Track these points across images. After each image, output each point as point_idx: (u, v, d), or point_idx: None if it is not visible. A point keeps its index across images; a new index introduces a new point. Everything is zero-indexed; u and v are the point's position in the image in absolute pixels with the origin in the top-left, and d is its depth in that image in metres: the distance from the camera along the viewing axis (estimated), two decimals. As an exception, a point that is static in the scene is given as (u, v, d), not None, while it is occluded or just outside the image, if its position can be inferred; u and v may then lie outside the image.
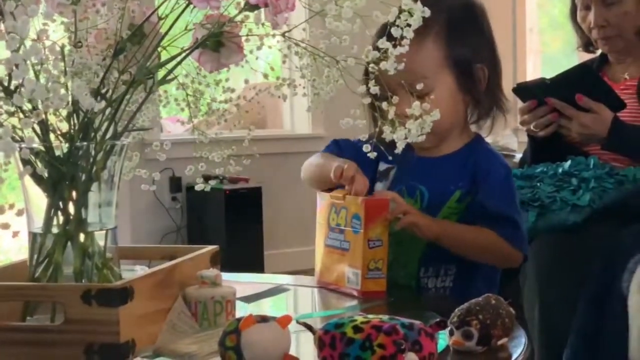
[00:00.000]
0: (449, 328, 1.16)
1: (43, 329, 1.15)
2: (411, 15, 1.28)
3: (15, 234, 0.95)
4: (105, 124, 1.25)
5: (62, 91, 1.16)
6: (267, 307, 1.54)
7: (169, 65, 1.34)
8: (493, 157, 1.72)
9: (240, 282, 1.69)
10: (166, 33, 1.37)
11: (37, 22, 1.26)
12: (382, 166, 1.77)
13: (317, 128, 4.92)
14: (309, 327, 1.07)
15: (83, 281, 1.21)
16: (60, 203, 1.23)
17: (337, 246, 1.57)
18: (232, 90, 1.55)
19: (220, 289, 1.31)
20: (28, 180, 1.23)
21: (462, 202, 1.67)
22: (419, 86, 1.61)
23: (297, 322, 1.07)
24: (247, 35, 1.38)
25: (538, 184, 2.22)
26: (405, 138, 1.29)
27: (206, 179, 5.04)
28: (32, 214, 1.24)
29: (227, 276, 1.72)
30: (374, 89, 1.30)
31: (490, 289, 1.66)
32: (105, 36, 1.35)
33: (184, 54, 1.35)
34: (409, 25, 1.28)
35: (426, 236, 1.60)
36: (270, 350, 1.05)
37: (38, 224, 1.24)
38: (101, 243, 1.25)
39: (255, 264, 4.35)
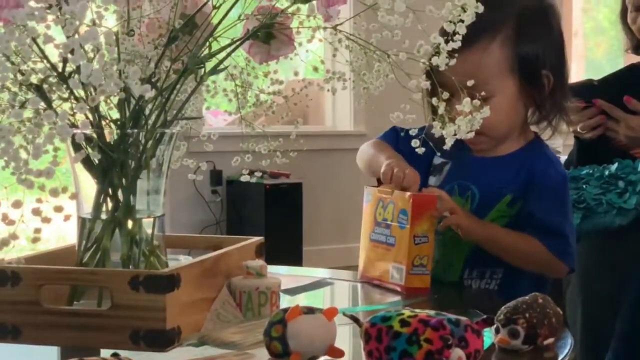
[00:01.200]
0: (495, 326, 1.15)
1: (90, 314, 1.15)
2: (464, 11, 1.27)
3: (67, 218, 0.95)
4: (156, 113, 1.26)
5: (116, 78, 1.17)
6: (311, 300, 1.54)
7: (220, 56, 1.34)
8: (550, 163, 1.68)
9: (282, 274, 1.69)
10: (218, 24, 1.37)
11: (92, 10, 1.28)
12: (437, 160, 1.73)
13: (359, 125, 4.92)
14: (356, 320, 1.07)
15: (130, 267, 1.22)
16: (110, 189, 1.24)
17: (382, 241, 1.57)
18: (281, 82, 1.55)
19: (265, 280, 1.31)
20: (79, 166, 1.24)
21: (513, 207, 1.64)
22: (480, 92, 1.60)
23: (344, 314, 1.07)
24: (298, 27, 1.38)
25: (584, 186, 2.19)
26: (455, 134, 1.28)
27: (248, 173, 5.03)
28: (82, 200, 1.25)
29: (270, 269, 1.73)
30: (425, 84, 1.29)
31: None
32: (157, 25, 1.36)
33: (234, 45, 1.36)
34: (462, 21, 1.27)
35: (468, 238, 1.59)
36: (315, 341, 1.05)
37: (87, 210, 1.24)
38: (149, 231, 1.26)
39: (293, 260, 4.36)
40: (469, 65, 1.56)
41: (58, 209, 0.92)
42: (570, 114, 2.30)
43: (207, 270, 1.26)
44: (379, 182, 1.65)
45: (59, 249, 1.32)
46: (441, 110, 1.28)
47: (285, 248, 4.40)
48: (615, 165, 2.23)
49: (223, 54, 1.35)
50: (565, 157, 2.65)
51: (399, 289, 1.52)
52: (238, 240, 1.42)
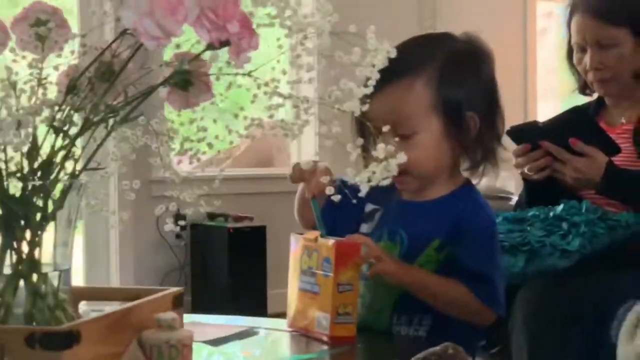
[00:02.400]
0: (404, 378, 1.13)
1: (-15, 373, 1.12)
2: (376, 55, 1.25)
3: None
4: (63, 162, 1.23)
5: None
6: (234, 350, 1.51)
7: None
8: (478, 209, 1.67)
9: (210, 323, 1.66)
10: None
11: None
12: (369, 207, 1.73)
13: (339, 170, 4.90)
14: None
15: (34, 323, 1.19)
16: (13, 243, 1.21)
17: (308, 289, 1.54)
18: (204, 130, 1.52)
19: (177, 333, 1.27)
20: (-20, 219, 1.21)
21: (441, 252, 1.63)
22: (404, 128, 1.60)
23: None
24: (216, 74, 1.36)
25: (528, 228, 2.18)
26: (369, 181, 1.26)
27: (211, 217, 5.05)
28: (-16, 254, 1.22)
29: (200, 318, 1.71)
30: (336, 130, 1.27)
31: (469, 343, 1.63)
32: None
33: (149, 92, 1.34)
34: (373, 65, 1.25)
35: (396, 284, 1.57)
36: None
37: (-9, 264, 1.21)
38: (56, 284, 1.23)
39: (258, 303, 4.32)
40: (393, 101, 1.57)
41: None
42: (516, 155, 2.30)
43: (114, 324, 1.22)
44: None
45: (-38, 305, 1.28)
46: (353, 157, 1.26)
47: (250, 291, 4.36)
48: (561, 206, 2.22)
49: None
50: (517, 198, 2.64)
51: (325, 338, 1.50)
52: (156, 292, 1.39)
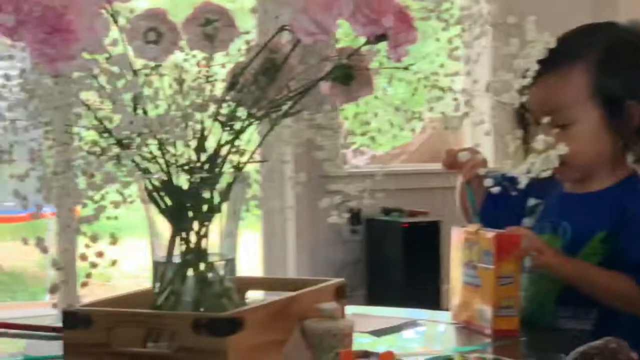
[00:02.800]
0: (563, 371, 1.12)
1: (155, 356, 1.18)
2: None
3: (113, 263, 0.98)
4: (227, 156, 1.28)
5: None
6: (396, 341, 1.52)
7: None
8: None
9: (376, 315, 1.69)
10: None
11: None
12: (531, 202, 1.72)
13: (499, 161, 4.84)
14: (406, 365, 1.05)
15: (201, 310, 1.24)
16: (182, 233, 1.27)
17: (470, 282, 1.54)
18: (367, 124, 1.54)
19: (338, 322, 1.30)
20: (152, 210, 1.27)
21: (607, 243, 1.59)
22: (562, 117, 1.58)
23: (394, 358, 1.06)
24: (376, 68, 1.38)
25: None
26: (528, 172, 1.25)
27: (386, 212, 5.09)
28: (156, 244, 1.28)
29: (365, 309, 1.74)
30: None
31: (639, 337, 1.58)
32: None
33: (311, 86, 1.37)
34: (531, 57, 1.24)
35: (559, 276, 1.54)
36: (368, 385, 1.04)
37: (162, 254, 1.27)
38: (222, 273, 1.28)
39: (433, 298, 4.31)
40: (550, 90, 1.57)
41: (99, 254, 0.95)
42: None
43: (276, 312, 1.26)
44: None
45: (138, 292, 1.35)
46: (511, 148, 1.26)
47: (424, 286, 4.36)
48: None
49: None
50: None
51: (487, 331, 1.49)
52: (320, 283, 1.42)
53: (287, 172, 4.43)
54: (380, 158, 5.34)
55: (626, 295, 1.55)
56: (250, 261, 5.42)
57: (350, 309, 1.67)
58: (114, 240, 1.03)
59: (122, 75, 1.09)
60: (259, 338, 1.21)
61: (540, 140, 1.25)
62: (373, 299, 4.45)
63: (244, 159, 1.33)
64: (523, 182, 1.25)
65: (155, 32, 1.35)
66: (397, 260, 4.42)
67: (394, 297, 4.34)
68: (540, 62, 1.63)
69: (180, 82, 1.31)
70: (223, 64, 1.37)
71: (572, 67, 1.61)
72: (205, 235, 1.27)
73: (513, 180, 1.28)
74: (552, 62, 1.54)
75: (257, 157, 1.39)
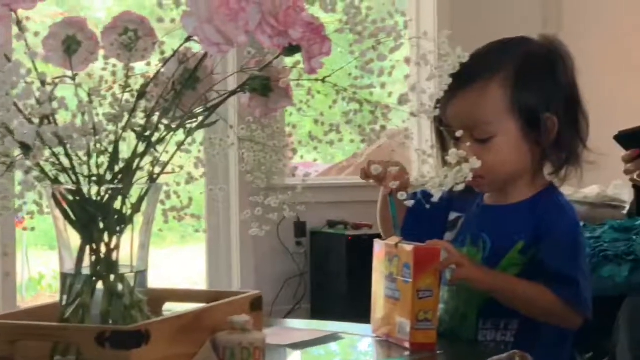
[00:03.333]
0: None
1: (58, 369, 1.16)
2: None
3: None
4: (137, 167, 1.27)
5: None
6: (313, 355, 1.51)
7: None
8: (561, 210, 1.64)
9: (297, 328, 1.68)
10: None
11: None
12: (452, 215, 1.74)
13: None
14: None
15: (110, 323, 1.23)
16: (92, 245, 1.25)
17: (390, 295, 1.54)
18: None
19: (250, 335, 1.29)
20: (61, 222, 1.25)
21: (525, 254, 1.61)
22: (481, 132, 1.59)
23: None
24: (290, 80, 1.37)
25: (634, 237, 2.12)
26: (441, 186, 1.25)
27: (331, 224, 5.09)
28: (65, 255, 1.26)
29: (289, 323, 1.73)
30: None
31: (560, 347, 1.60)
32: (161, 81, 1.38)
33: (226, 96, 1.37)
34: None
35: (478, 289, 1.55)
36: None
37: (70, 266, 1.26)
38: (133, 285, 1.26)
39: (376, 311, 4.31)
40: (468, 105, 1.57)
41: None
42: (625, 161, 2.24)
43: (186, 325, 1.25)
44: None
45: (47, 305, 1.33)
46: (423, 169, 1.26)
47: (368, 300, 4.35)
48: (672, 215, 2.15)
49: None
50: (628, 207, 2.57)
51: (405, 344, 1.49)
52: (235, 295, 1.41)
53: (232, 184, 4.40)
54: (328, 171, 5.34)
55: (546, 305, 1.56)
56: (195, 275, 5.39)
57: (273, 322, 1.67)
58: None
59: (16, 83, 1.07)
60: (167, 351, 1.19)
61: (452, 154, 1.25)
62: (317, 312, 4.44)
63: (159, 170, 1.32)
64: (436, 196, 1.25)
65: (74, 41, 1.34)
66: (342, 273, 4.42)
67: (338, 310, 4.34)
68: (456, 77, 1.65)
69: (93, 92, 1.30)
70: (144, 74, 1.37)
71: (488, 81, 1.63)
72: (117, 247, 1.26)
73: (430, 195, 1.28)
74: (468, 78, 1.56)
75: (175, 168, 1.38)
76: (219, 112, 1.43)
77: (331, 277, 4.51)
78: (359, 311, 4.16)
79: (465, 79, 1.53)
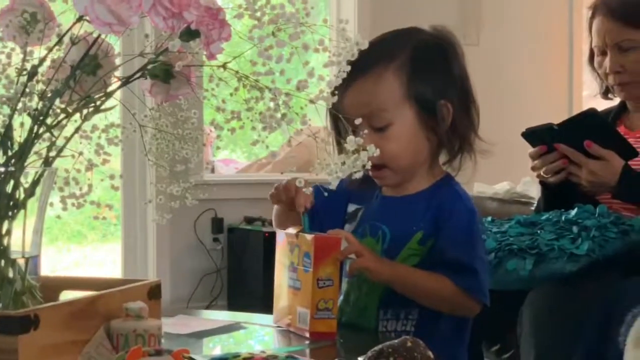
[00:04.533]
0: (360, 370, 1.12)
1: (-56, 355, 1.13)
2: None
3: None
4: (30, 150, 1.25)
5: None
6: (214, 343, 1.51)
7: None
8: (458, 199, 1.66)
9: (203, 318, 1.67)
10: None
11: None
12: (351, 207, 1.74)
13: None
14: (195, 363, 1.04)
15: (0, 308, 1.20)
16: (-18, 229, 1.22)
17: (291, 285, 1.54)
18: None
19: (144, 322, 1.28)
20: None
21: (424, 244, 1.62)
22: (378, 120, 1.60)
23: (183, 356, 1.04)
24: (189, 65, 1.35)
25: (539, 232, 2.15)
26: (337, 174, 1.25)
27: (248, 221, 5.08)
28: (-44, 239, 1.23)
29: (195, 312, 1.72)
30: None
31: (458, 336, 1.61)
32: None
33: (124, 82, 1.35)
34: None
35: (377, 280, 1.56)
36: (158, 384, 1.02)
37: (-38, 250, 1.23)
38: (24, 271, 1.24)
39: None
40: (364, 94, 1.58)
41: None
42: (532, 158, 2.27)
43: (79, 311, 1.23)
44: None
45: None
46: (320, 156, 1.26)
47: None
48: (575, 210, 2.18)
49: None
50: (535, 203, 2.61)
51: (306, 333, 1.49)
52: (133, 282, 1.40)
53: (147, 179, 4.33)
54: (247, 168, 5.32)
55: (444, 294, 1.58)
56: (112, 271, 5.33)
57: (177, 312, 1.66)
58: None
59: None
60: (57, 337, 1.17)
61: (350, 141, 1.25)
62: (233, 308, 4.42)
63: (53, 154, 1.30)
64: (333, 184, 1.25)
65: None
66: (258, 269, 4.40)
67: (254, 306, 4.32)
68: (352, 66, 1.66)
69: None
70: (43, 58, 1.34)
71: (383, 70, 1.64)
72: (8, 232, 1.23)
73: (329, 190, 1.29)
74: (363, 67, 1.56)
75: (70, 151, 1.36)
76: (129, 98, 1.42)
77: (248, 274, 4.49)
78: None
79: (360, 68, 1.54)
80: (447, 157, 1.69)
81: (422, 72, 1.65)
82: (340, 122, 1.60)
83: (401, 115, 1.63)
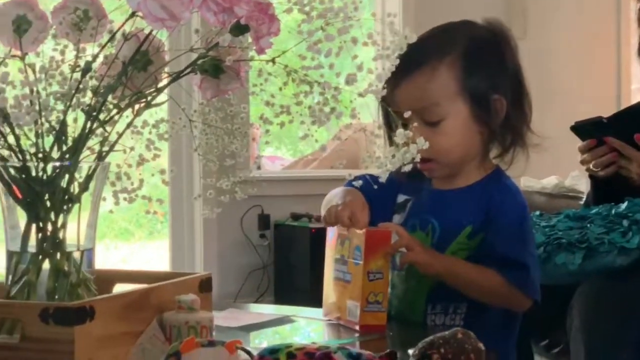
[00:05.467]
0: (411, 361, 1.12)
1: (1, 346, 1.15)
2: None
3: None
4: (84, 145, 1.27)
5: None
6: (262, 337, 1.52)
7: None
8: (509, 193, 1.65)
9: (250, 312, 1.68)
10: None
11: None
12: (401, 198, 1.73)
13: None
14: (248, 353, 1.05)
15: (56, 300, 1.22)
16: (39, 223, 1.24)
17: (341, 278, 1.55)
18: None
19: (196, 314, 1.29)
20: (7, 198, 1.25)
21: (473, 239, 1.62)
22: (431, 114, 1.60)
23: (236, 347, 1.05)
24: (237, 59, 1.36)
25: (588, 225, 2.13)
26: (387, 167, 1.25)
27: (295, 217, 5.10)
28: (10, 233, 1.26)
29: (244, 306, 1.73)
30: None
31: (507, 331, 1.61)
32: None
33: (175, 77, 1.37)
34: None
35: (427, 273, 1.56)
36: (212, 374, 1.04)
37: (17, 243, 1.25)
38: (79, 264, 1.26)
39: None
40: (418, 88, 1.58)
41: None
42: (581, 152, 2.26)
43: (132, 303, 1.25)
44: None
45: (-7, 283, 1.32)
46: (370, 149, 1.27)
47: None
48: (625, 204, 2.16)
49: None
50: (584, 198, 2.59)
51: (355, 326, 1.50)
52: (184, 276, 1.41)
53: (195, 175, 4.36)
54: (294, 164, 5.34)
55: (494, 288, 1.57)
56: (159, 268, 5.37)
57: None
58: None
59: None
60: (112, 328, 1.19)
61: (400, 134, 1.25)
62: (280, 304, 4.44)
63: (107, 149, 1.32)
64: (383, 177, 1.25)
65: (24, 21, 1.34)
66: (305, 265, 4.41)
67: (301, 302, 4.33)
68: (404, 61, 1.66)
69: (42, 70, 1.29)
70: (95, 55, 1.36)
71: (437, 64, 1.63)
72: (63, 225, 1.25)
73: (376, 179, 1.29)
74: (416, 61, 1.56)
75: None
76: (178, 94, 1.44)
77: (294, 270, 4.50)
78: (322, 305, 4.17)
79: (413, 62, 1.54)
80: (498, 151, 1.68)
81: (476, 67, 1.64)
82: (391, 115, 1.61)
83: (454, 109, 1.62)
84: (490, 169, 1.70)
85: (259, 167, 5.04)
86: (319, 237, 4.34)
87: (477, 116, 1.64)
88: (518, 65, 1.69)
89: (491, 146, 1.68)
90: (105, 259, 5.85)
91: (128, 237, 7.18)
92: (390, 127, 1.62)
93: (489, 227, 1.61)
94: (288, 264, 4.54)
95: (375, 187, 1.30)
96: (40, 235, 1.24)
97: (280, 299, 4.51)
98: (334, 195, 1.68)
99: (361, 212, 1.54)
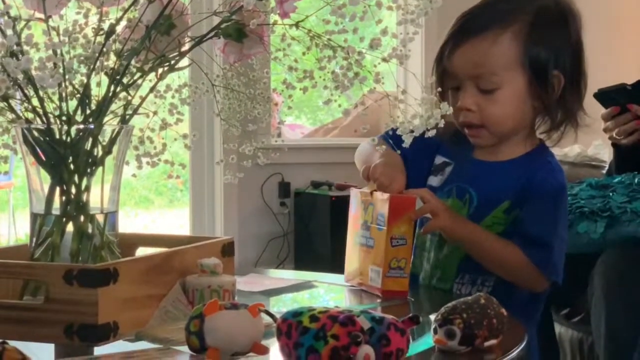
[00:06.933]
0: (433, 326, 1.12)
1: (26, 307, 1.16)
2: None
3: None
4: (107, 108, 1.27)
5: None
6: (285, 301, 1.52)
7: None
8: (550, 171, 1.61)
9: (272, 277, 1.69)
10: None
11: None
12: (439, 159, 1.70)
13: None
14: (271, 316, 1.05)
15: (79, 262, 1.23)
16: (62, 185, 1.25)
17: (364, 243, 1.54)
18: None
19: (219, 278, 1.30)
20: (31, 162, 1.25)
21: (510, 214, 1.59)
22: (488, 82, 1.57)
23: (259, 310, 1.05)
24: (260, 24, 1.36)
25: (611, 194, 2.12)
26: (412, 131, 1.25)
27: (315, 185, 5.11)
28: (34, 196, 1.26)
29: (265, 271, 1.74)
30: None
31: (531, 308, 1.60)
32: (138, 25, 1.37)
33: (199, 41, 1.36)
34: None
35: (451, 237, 1.55)
36: (235, 337, 1.04)
37: (40, 206, 1.26)
38: (103, 226, 1.26)
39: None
40: (478, 54, 1.57)
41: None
42: (604, 119, 2.24)
43: (155, 266, 1.25)
44: None
45: (18, 245, 1.33)
46: (399, 112, 1.26)
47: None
48: (648, 172, 2.15)
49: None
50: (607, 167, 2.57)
51: (377, 292, 1.50)
52: (206, 240, 1.41)
53: (216, 141, 4.35)
54: (314, 133, 5.33)
55: (514, 264, 1.54)
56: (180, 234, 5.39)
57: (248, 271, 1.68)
58: None
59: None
60: (136, 291, 1.20)
61: (444, 107, 1.24)
62: (301, 271, 4.45)
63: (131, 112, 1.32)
64: (407, 142, 1.25)
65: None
66: (325, 233, 4.42)
67: (321, 269, 4.34)
68: (467, 25, 1.63)
69: (65, 33, 1.29)
70: (118, 18, 1.35)
71: (502, 31, 1.59)
72: (87, 188, 1.26)
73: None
74: (480, 26, 1.54)
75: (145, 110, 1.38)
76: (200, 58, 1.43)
77: (315, 237, 4.51)
78: (342, 271, 4.18)
79: (476, 27, 1.51)
80: (547, 127, 1.65)
81: (541, 39, 1.60)
82: (445, 80, 1.58)
83: (512, 80, 1.59)
84: (536, 144, 1.66)
85: (279, 135, 5.03)
86: (339, 205, 4.37)
87: (534, 90, 1.60)
88: (581, 43, 1.65)
89: (539, 121, 1.65)
90: (126, 226, 5.89)
91: (148, 205, 7.22)
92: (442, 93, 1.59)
93: (524, 204, 1.58)
94: (308, 232, 4.55)
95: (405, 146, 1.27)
96: (64, 197, 1.25)
97: (300, 267, 4.52)
98: (369, 152, 1.66)
99: (400, 175, 1.53)
